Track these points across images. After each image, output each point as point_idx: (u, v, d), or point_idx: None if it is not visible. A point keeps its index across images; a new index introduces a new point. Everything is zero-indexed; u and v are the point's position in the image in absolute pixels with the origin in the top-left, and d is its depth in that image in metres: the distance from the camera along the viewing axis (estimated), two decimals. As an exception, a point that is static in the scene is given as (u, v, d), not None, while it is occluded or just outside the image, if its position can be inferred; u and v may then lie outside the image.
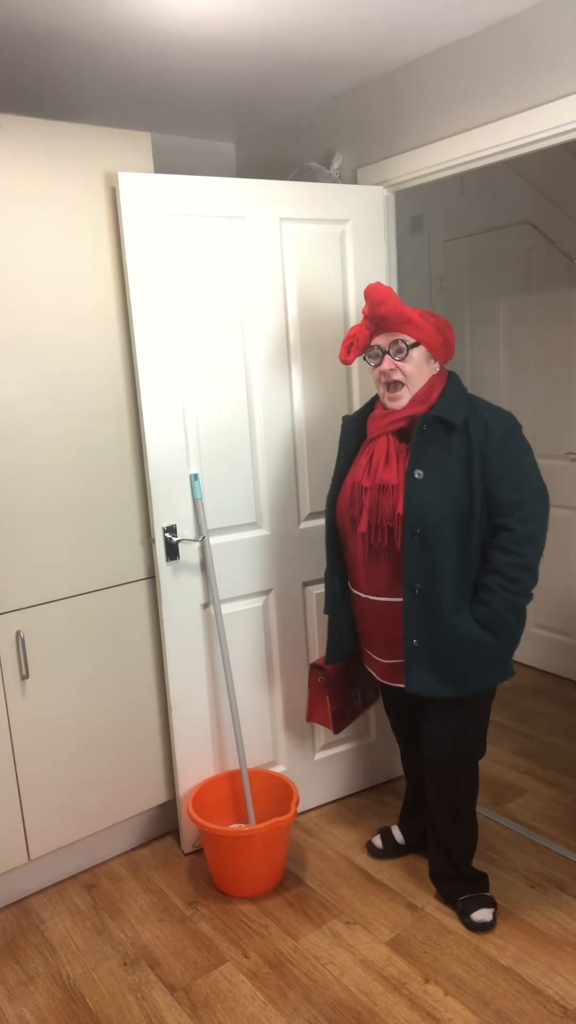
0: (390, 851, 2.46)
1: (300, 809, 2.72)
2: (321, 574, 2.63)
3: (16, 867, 2.35)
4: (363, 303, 2.54)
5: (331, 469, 2.57)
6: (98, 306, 2.28)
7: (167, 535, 2.36)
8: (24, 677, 2.27)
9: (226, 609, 2.50)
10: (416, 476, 1.92)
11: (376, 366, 1.99)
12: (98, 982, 2.06)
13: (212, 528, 2.43)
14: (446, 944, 2.11)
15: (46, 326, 2.21)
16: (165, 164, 3.03)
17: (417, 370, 1.97)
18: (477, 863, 2.41)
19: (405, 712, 2.34)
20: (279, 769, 2.66)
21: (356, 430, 2.13)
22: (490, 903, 2.18)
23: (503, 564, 1.91)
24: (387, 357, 1.96)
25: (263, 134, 3.06)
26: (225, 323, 2.37)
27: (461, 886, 2.21)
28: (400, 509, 1.93)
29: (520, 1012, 1.88)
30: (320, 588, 2.64)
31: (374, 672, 2.20)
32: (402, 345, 1.94)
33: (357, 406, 2.62)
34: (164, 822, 2.67)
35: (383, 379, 1.99)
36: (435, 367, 2.01)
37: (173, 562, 2.38)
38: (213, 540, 2.44)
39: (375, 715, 2.80)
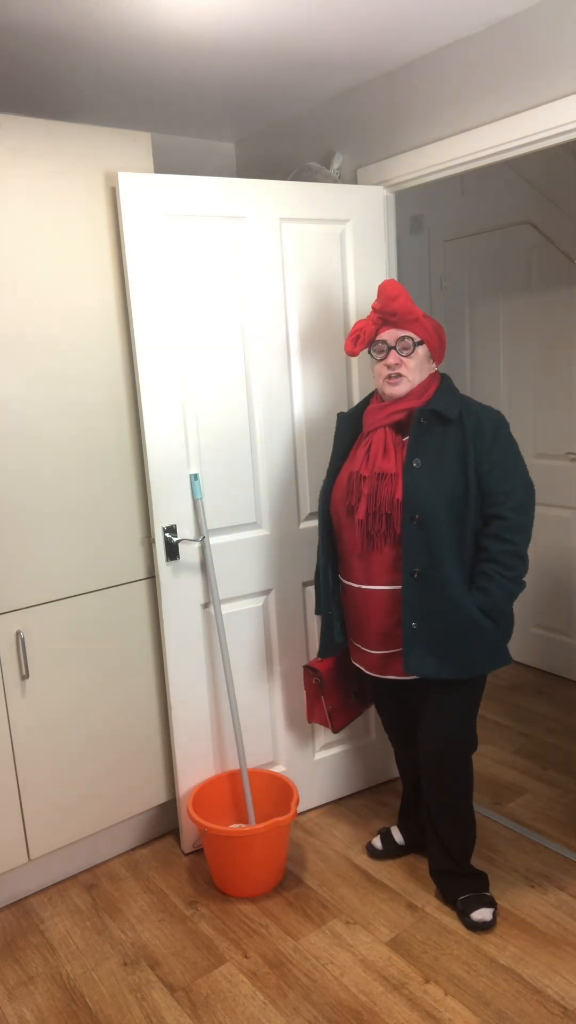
0: (390, 852, 2.46)
1: (300, 809, 2.72)
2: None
3: (16, 867, 2.35)
4: (364, 303, 2.56)
5: (331, 469, 2.57)
6: (98, 306, 2.29)
7: (167, 535, 2.36)
8: (24, 677, 2.27)
9: (226, 609, 2.50)
10: (415, 465, 1.99)
11: (381, 359, 2.05)
12: (98, 982, 2.06)
13: (212, 528, 2.44)
14: (446, 944, 2.11)
15: (46, 326, 2.21)
16: (165, 164, 3.03)
17: (419, 367, 2.05)
18: (477, 863, 2.41)
19: (397, 708, 2.35)
20: (279, 769, 2.66)
21: (351, 425, 2.19)
22: (490, 903, 2.18)
23: (498, 552, 1.97)
24: (392, 352, 2.03)
25: (263, 134, 3.06)
26: (225, 323, 2.37)
27: (461, 884, 2.21)
28: (399, 495, 1.98)
29: (520, 1012, 1.88)
30: (320, 588, 2.65)
31: (365, 667, 2.20)
32: (409, 342, 2.02)
33: (357, 406, 2.62)
34: (164, 822, 2.67)
35: (386, 372, 2.04)
36: (432, 367, 2.11)
37: (173, 562, 2.38)
38: (213, 540, 2.44)
39: (375, 715, 2.80)
